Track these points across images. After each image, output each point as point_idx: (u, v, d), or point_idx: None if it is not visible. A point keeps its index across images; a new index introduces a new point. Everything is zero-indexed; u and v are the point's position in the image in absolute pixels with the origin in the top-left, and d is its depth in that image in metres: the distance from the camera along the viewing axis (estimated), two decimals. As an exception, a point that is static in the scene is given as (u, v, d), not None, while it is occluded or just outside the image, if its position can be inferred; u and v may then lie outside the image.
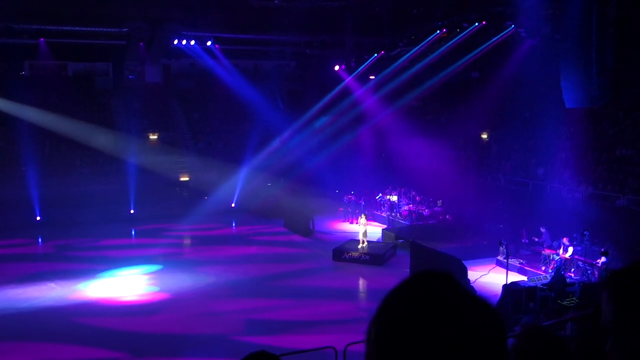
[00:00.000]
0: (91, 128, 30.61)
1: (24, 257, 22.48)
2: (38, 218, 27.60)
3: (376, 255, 20.52)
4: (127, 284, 18.37)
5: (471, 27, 26.61)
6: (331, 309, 15.80)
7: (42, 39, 30.06)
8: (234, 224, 29.31)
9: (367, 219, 27.79)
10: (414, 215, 26.18)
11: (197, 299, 16.84)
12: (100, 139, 30.41)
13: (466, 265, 16.16)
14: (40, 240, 25.65)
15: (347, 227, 27.63)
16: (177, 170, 32.21)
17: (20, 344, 13.56)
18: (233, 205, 31.48)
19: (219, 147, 34.46)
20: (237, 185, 31.43)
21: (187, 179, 32.67)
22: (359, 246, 21.24)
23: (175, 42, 30.67)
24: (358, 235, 21.71)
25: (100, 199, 28.06)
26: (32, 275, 19.37)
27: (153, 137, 34.06)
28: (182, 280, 18.61)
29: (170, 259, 21.73)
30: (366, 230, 21.74)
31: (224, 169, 31.58)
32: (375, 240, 23.24)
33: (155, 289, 17.93)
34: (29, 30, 28.66)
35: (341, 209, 29.72)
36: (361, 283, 19.18)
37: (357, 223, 27.79)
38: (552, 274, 16.28)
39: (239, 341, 13.78)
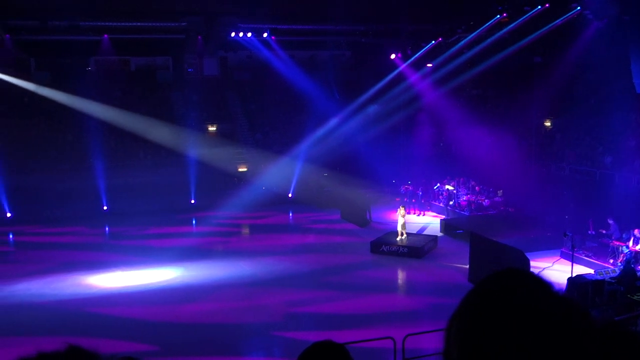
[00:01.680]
0: (152, 121, 31.43)
1: (70, 245, 23.09)
2: (105, 208, 28.64)
3: (415, 247, 19.88)
4: (168, 274, 18.39)
5: (533, 10, 25.51)
6: (378, 302, 15.51)
7: (105, 35, 31.03)
8: (290, 214, 29.49)
9: (416, 209, 27.67)
10: (473, 205, 25.66)
11: (242, 288, 16.64)
12: (161, 131, 31.16)
13: (528, 257, 15.60)
14: (94, 228, 26.46)
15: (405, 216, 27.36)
16: (235, 161, 32.66)
17: (39, 339, 12.72)
18: (290, 195, 31.63)
19: (276, 137, 34.69)
20: (293, 175, 31.56)
21: (245, 169, 33.06)
22: (398, 238, 20.68)
23: (232, 34, 30.95)
24: (397, 228, 20.96)
25: (163, 190, 28.81)
26: (70, 263, 19.70)
27: (212, 128, 34.64)
28: (228, 269, 18.63)
29: (222, 247, 22.05)
30: (405, 222, 21.04)
31: (280, 160, 31.76)
32: (418, 232, 22.82)
33: (197, 277, 17.84)
34: (93, 27, 29.60)
35: (398, 199, 29.43)
36: (404, 275, 18.83)
37: (415, 213, 27.64)
38: (622, 267, 15.49)
39: (281, 336, 13.51)
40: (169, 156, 30.85)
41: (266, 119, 35.89)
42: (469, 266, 17.26)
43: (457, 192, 27.26)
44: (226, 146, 32.63)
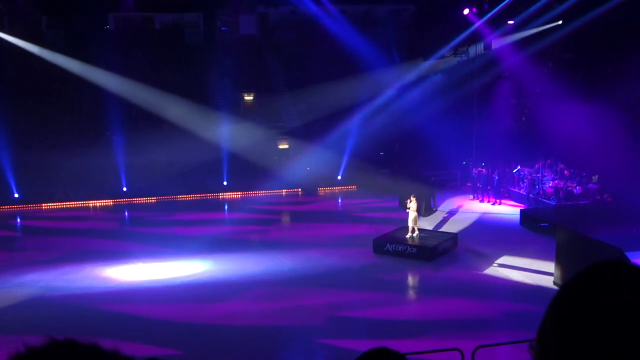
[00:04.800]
0: (179, 89, 31.84)
1: (85, 232, 23.69)
2: (124, 189, 29.39)
3: (426, 248, 19.28)
4: (195, 267, 18.66)
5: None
6: (440, 307, 15.28)
7: (126, -12, 31.61)
8: (339, 199, 29.49)
9: (491, 197, 27.19)
10: (561, 193, 25.23)
11: (279, 286, 16.76)
12: (189, 101, 31.53)
13: (629, 257, 15.09)
14: (112, 212, 27.16)
15: (476, 205, 27.20)
16: (275, 136, 32.84)
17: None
18: (339, 177, 31.62)
19: (324, 108, 34.56)
20: (344, 154, 31.51)
21: (286, 146, 33.23)
22: (408, 235, 20.16)
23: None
24: (408, 222, 20.24)
25: (191, 169, 29.34)
26: (84, 253, 20.23)
27: (248, 98, 34.91)
28: (264, 264, 18.81)
29: (255, 237, 22.37)
30: (417, 215, 20.35)
31: (328, 135, 31.73)
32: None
33: (228, 272, 18.05)
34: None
35: (469, 184, 29.08)
36: (472, 276, 18.51)
37: (489, 201, 27.30)
38: None
39: (324, 344, 13.48)
40: (197, 130, 31.27)
41: (312, 86, 35.76)
42: (555, 266, 16.89)
43: (541, 177, 26.80)
44: (264, 119, 32.79)
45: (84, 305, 15.55)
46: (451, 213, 25.66)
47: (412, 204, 20.09)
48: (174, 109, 31.21)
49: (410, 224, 20.19)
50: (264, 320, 14.52)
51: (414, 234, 20.19)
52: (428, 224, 23.80)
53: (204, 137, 30.74)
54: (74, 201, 28.32)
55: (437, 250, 19.38)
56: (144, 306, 15.51)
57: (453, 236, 20.79)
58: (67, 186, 28.57)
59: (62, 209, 27.53)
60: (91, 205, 28.45)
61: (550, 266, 17.27)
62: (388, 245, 19.65)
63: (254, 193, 30.06)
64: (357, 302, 15.78)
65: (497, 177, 27.50)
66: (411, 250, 19.38)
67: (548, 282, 16.60)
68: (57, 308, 15.45)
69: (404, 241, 19.85)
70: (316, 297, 15.99)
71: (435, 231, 22.08)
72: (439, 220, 24.46)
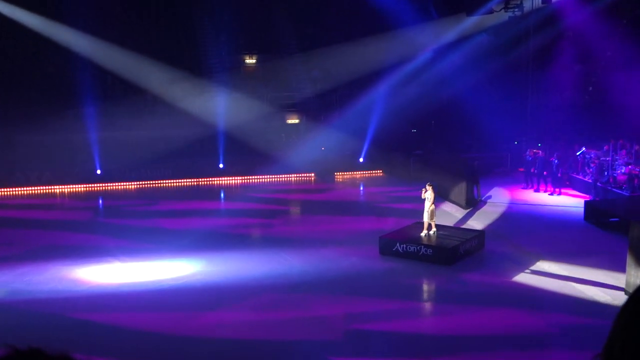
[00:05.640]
0: (166, 50, 31.82)
1: (51, 223, 23.88)
2: (98, 171, 29.53)
3: (444, 248, 19.08)
4: (184, 268, 18.72)
5: None
6: (480, 319, 15.19)
7: None
8: (361, 187, 29.44)
9: (549, 185, 27.10)
10: (636, 181, 25.17)
11: (287, 292, 16.76)
12: (178, 66, 31.52)
13: None
14: (84, 200, 27.29)
15: (529, 196, 27.25)
16: (282, 108, 32.81)
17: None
18: (361, 159, 31.58)
19: (342, 75, 34.49)
20: (367, 130, 31.47)
21: (296, 121, 33.20)
22: (422, 233, 19.97)
23: None
24: (423, 217, 19.96)
25: (179, 148, 29.41)
26: (50, 249, 20.35)
27: (249, 61, 34.88)
28: (269, 265, 18.83)
29: (257, 232, 22.52)
30: (434, 207, 20.02)
31: (348, 108, 31.66)
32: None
33: (224, 274, 18.09)
34: None
35: (522, 169, 28.99)
36: (518, 281, 18.40)
37: (547, 191, 27.27)
38: None
39: None
40: (187, 102, 31.30)
41: (328, 48, 35.66)
42: (627, 271, 16.74)
43: (612, 161, 26.75)
44: (270, 87, 32.74)
45: (48, 313, 15.54)
46: (498, 205, 25.62)
47: (428, 194, 19.78)
48: (158, 76, 31.24)
49: (425, 218, 19.93)
50: (267, 334, 14.48)
51: (430, 232, 20.01)
52: (469, 219, 23.75)
53: (194, 110, 30.80)
54: (37, 186, 28.49)
55: (458, 251, 19.17)
56: (121, 315, 15.52)
57: (478, 234, 20.61)
58: (29, 168, 28.70)
59: (22, 195, 27.70)
60: (58, 191, 28.62)
61: (620, 273, 17.12)
62: (398, 245, 19.54)
63: (256, 178, 30.13)
64: (381, 312, 15.72)
65: (556, 161, 27.40)
66: (426, 251, 19.20)
67: (618, 292, 16.45)
68: (15, 316, 15.45)
69: (417, 240, 19.65)
70: (331, 306, 15.96)
71: (457, 228, 21.92)
72: (482, 215, 24.45)
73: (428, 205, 19.75)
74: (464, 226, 22.48)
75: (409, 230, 20.65)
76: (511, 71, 32.89)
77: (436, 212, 20.12)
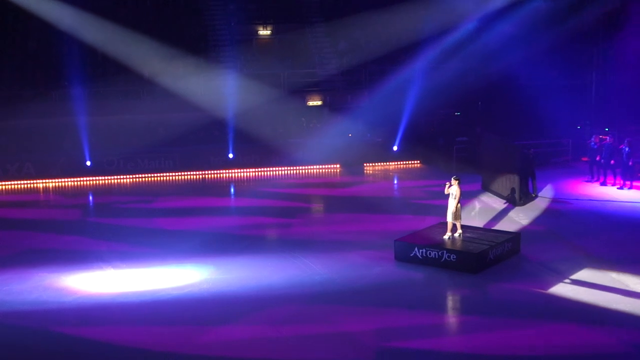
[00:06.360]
0: (166, 23, 31.98)
1: (35, 224, 24.12)
2: (88, 163, 29.74)
3: (470, 253, 18.93)
4: (188, 276, 18.88)
5: None
6: (535, 334, 15.17)
7: None
8: (395, 180, 29.48)
9: (617, 178, 26.94)
10: None
11: (308, 304, 16.87)
12: (180, 40, 31.68)
13: None
14: (71, 196, 27.70)
15: (595, 190, 27.26)
16: (301, 87, 32.85)
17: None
18: (395, 148, 31.61)
19: (372, 49, 34.53)
20: (401, 114, 31.46)
21: (319, 103, 33.25)
22: (446, 236, 19.99)
23: None
24: (447, 216, 19.91)
25: (182, 135, 29.59)
26: (34, 253, 20.69)
27: (264, 33, 34.92)
28: (286, 272, 18.96)
29: (272, 234, 22.73)
30: (459, 204, 19.82)
31: (379, 87, 31.68)
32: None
33: (234, 283, 18.25)
34: None
35: (586, 158, 28.84)
36: (581, 293, 18.33)
37: (615, 184, 27.30)
38: None
39: None
40: (190, 82, 31.36)
41: (354, 17, 35.68)
42: None
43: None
44: (287, 63, 32.82)
45: (31, 327, 15.72)
46: (561, 201, 25.49)
47: (453, 189, 19.68)
48: (157, 53, 31.36)
49: (449, 218, 19.86)
50: (284, 353, 14.55)
51: (455, 234, 20.00)
52: (523, 215, 23.75)
53: (199, 91, 30.90)
54: (17, 180, 28.79)
55: (486, 257, 19.08)
56: (114, 329, 15.64)
57: (512, 237, 20.46)
58: (7, 159, 28.99)
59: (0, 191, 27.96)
60: (41, 186, 28.89)
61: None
62: (416, 249, 19.51)
63: (271, 170, 30.27)
64: (417, 328, 15.68)
65: (627, 149, 27.18)
66: (449, 257, 19.15)
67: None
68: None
69: (439, 244, 19.59)
70: (360, 320, 15.97)
71: (487, 229, 21.75)
72: (537, 212, 24.44)
73: (453, 203, 19.62)
74: (516, 227, 22.42)
75: (429, 232, 20.62)
76: (573, 42, 32.70)
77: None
